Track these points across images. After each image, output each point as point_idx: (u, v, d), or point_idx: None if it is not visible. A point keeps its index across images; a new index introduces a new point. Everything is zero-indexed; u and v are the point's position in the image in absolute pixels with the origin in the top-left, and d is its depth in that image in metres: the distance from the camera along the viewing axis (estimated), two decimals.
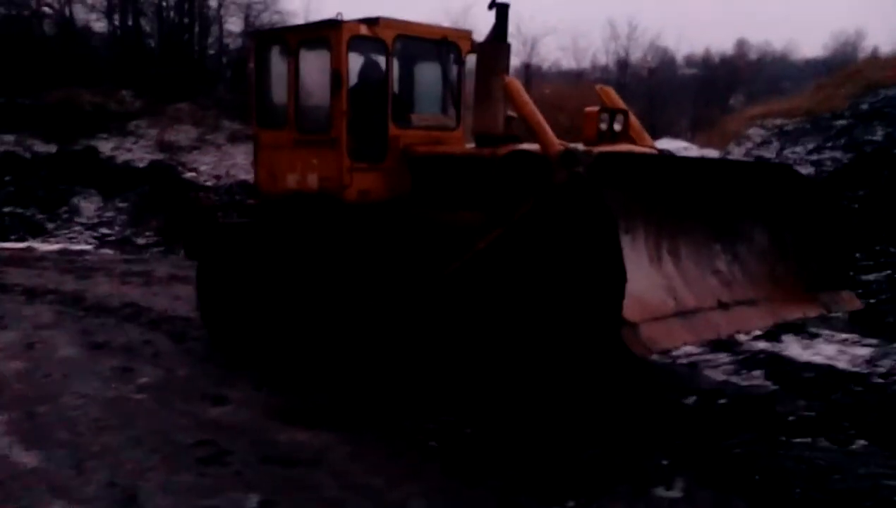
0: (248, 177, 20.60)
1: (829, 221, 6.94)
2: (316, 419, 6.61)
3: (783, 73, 41.04)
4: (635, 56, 41.85)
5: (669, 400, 7.01)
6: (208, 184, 23.55)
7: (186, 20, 36.17)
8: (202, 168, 25.70)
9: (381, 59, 8.40)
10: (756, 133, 26.55)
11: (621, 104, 8.00)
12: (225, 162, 26.38)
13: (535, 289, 6.58)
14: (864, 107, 24.32)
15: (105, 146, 26.24)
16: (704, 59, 40.20)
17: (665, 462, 5.65)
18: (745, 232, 6.72)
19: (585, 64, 38.03)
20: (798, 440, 6.13)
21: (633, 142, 7.66)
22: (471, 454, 5.89)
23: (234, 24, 36.84)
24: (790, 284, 6.77)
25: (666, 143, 23.67)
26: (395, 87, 8.64)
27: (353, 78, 8.31)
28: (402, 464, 5.75)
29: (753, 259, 6.67)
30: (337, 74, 7.96)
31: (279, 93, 8.88)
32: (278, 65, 8.91)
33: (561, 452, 5.85)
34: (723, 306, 6.11)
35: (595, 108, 7.47)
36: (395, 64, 8.59)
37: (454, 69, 9.05)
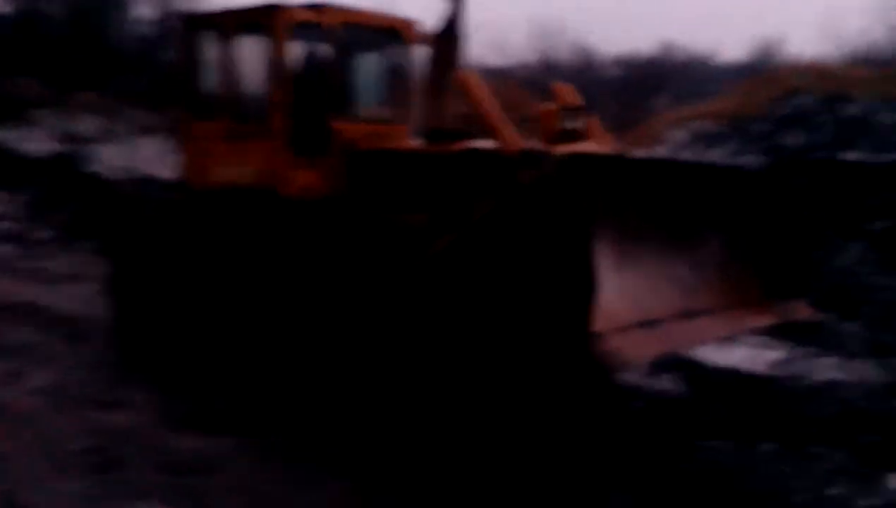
0: (157, 170, 20.04)
1: (787, 229, 6.81)
2: (215, 424, 6.36)
3: (707, 75, 41.71)
4: (560, 55, 42.07)
5: (582, 403, 6.94)
6: (114, 177, 22.76)
7: (94, 4, 34.92)
8: (108, 160, 24.84)
9: (325, 48, 7.99)
10: (679, 135, 26.85)
11: (577, 101, 7.54)
12: (131, 154, 25.55)
13: (494, 297, 6.17)
14: (784, 112, 24.81)
15: (4, 136, 25.22)
16: (629, 60, 40.60)
17: (578, 467, 5.59)
18: (703, 237, 6.44)
19: (511, 61, 37.99)
20: (709, 443, 6.14)
21: (592, 141, 7.30)
22: (377, 460, 5.73)
23: (146, 10, 35.44)
24: (747, 292, 6.56)
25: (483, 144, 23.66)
26: (339, 78, 8.27)
27: (292, 66, 7.88)
28: (304, 474, 5.56)
29: (712, 265, 6.40)
30: (277, 63, 7.55)
31: (211, 81, 8.44)
32: (210, 51, 8.41)
33: (467, 460, 5.73)
34: (685, 315, 5.88)
35: (553, 106, 7.11)
36: (340, 53, 8.21)
37: (400, 61, 8.73)
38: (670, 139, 27.32)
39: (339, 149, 7.77)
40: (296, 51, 7.93)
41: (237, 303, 7.72)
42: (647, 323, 5.50)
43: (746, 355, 8.43)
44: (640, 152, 25.12)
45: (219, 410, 6.62)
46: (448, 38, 7.35)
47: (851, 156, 17.45)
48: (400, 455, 5.77)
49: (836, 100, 24.49)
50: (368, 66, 8.86)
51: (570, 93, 7.67)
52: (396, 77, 8.72)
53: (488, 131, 6.82)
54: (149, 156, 24.41)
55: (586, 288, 5.01)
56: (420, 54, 8.43)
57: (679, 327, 5.74)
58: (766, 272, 6.71)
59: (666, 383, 7.48)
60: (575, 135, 7.02)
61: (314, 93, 7.86)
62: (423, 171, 7.19)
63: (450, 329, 6.40)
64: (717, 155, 23.46)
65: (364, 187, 7.64)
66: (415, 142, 7.97)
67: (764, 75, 33.77)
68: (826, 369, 8.06)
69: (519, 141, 6.59)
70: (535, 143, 6.81)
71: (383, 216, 7.28)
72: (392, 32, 8.42)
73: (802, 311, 7.04)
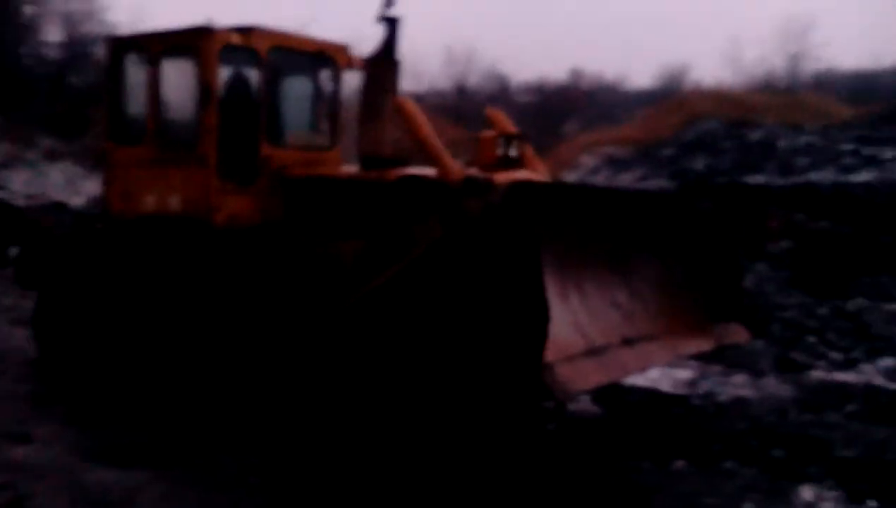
0: (66, 197, 19.48)
1: (720, 252, 6.87)
2: (129, 457, 6.14)
3: (616, 101, 42.70)
4: (472, 81, 42.59)
5: (510, 431, 6.91)
6: (20, 204, 22.00)
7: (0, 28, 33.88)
8: (14, 187, 24.02)
9: (253, 72, 7.74)
10: (588, 160, 27.44)
11: (512, 128, 7.57)
12: (40, 181, 24.76)
13: (440, 328, 5.94)
14: (688, 137, 25.57)
15: None
16: (539, 86, 41.36)
17: (495, 491, 5.58)
18: (640, 263, 6.39)
19: (425, 87, 38.25)
20: (624, 462, 6.21)
21: (527, 168, 7.27)
22: (295, 489, 5.64)
23: (53, 34, 34.43)
24: (685, 317, 6.54)
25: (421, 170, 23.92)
26: (268, 103, 7.88)
27: (221, 90, 7.57)
28: (221, 502, 5.43)
29: (649, 291, 6.36)
30: (206, 87, 7.24)
31: (136, 105, 8.06)
32: (136, 74, 8.05)
33: (390, 486, 5.67)
34: (627, 342, 5.84)
35: (491, 133, 7.08)
36: (269, 77, 7.86)
37: (330, 85, 8.47)
38: (582, 164, 27.93)
39: (270, 175, 7.51)
40: (223, 74, 7.64)
41: (161, 337, 7.42)
42: (593, 352, 5.45)
43: (658, 374, 8.59)
44: (567, 179, 25.59)
45: (133, 443, 6.41)
46: (384, 62, 7.16)
47: (755, 179, 18.12)
48: (317, 483, 5.69)
49: (739, 125, 25.43)
50: (298, 91, 8.58)
51: (504, 120, 7.65)
52: (327, 102, 8.45)
53: (427, 158, 6.70)
54: (58, 183, 23.69)
55: (539, 318, 4.92)
56: (352, 79, 8.30)
57: (623, 354, 5.72)
58: (702, 296, 6.71)
59: (580, 404, 7.56)
60: (513, 162, 6.99)
61: (243, 118, 7.55)
62: (359, 198, 7.03)
63: (388, 361, 6.19)
64: (626, 179, 24.06)
65: (298, 215, 7.41)
66: (349, 169, 7.77)
67: (670, 101, 34.86)
68: (735, 387, 8.27)
69: (459, 168, 6.50)
70: (473, 170, 6.74)
71: (317, 244, 7.07)
72: (323, 56, 8.18)
73: (739, 334, 7.11)
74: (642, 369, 6.32)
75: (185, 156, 7.45)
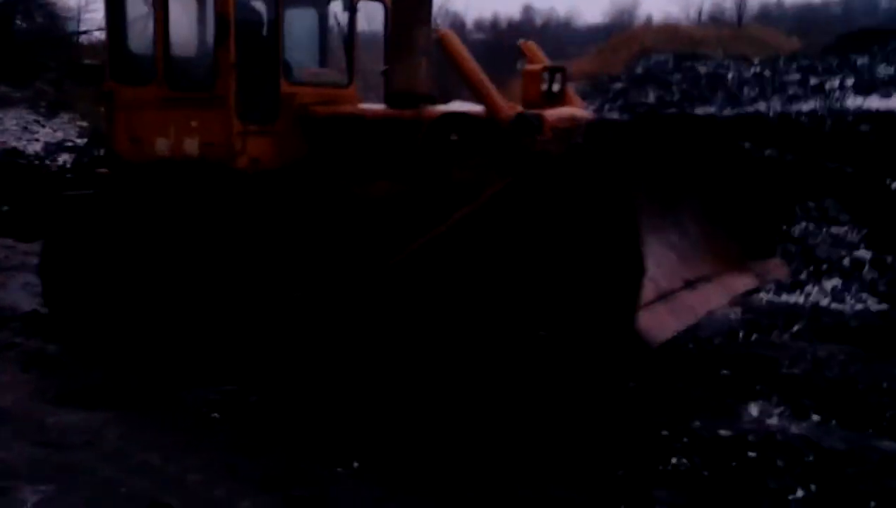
0: (20, 145, 19.01)
1: (756, 190, 6.65)
2: (89, 399, 6.13)
3: (567, 38, 42.60)
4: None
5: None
6: None
7: None
8: None
9: (260, 2, 7.25)
10: None
11: (547, 61, 6.99)
12: None
13: (508, 279, 5.60)
14: (638, 71, 25.68)
15: None
16: (493, 24, 41.08)
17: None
18: (685, 201, 6.11)
19: (376, 27, 37.72)
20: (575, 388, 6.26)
21: (570, 103, 6.75)
22: (256, 423, 5.71)
23: None
24: (727, 255, 6.34)
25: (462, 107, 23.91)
26: (282, 37, 7.21)
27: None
28: (181, 438, 5.47)
29: (695, 230, 6.10)
30: (223, 20, 6.65)
31: (142, 41, 7.47)
32: (140, 7, 7.45)
33: (346, 424, 5.73)
34: (689, 285, 5.63)
35: (537, 67, 6.55)
36: (279, 7, 7.17)
37: (345, 16, 7.83)
38: None
39: (292, 115, 7.02)
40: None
41: (179, 284, 6.95)
42: (663, 297, 5.23)
43: None
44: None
45: (93, 384, 6.37)
46: None
47: (704, 110, 18.29)
48: (273, 416, 5.74)
49: (688, 58, 25.59)
50: (311, 24, 7.97)
51: (539, 53, 7.11)
52: (341, 36, 7.81)
53: (474, 94, 6.21)
54: (12, 130, 22.96)
55: (633, 265, 4.72)
56: (369, 10, 7.74)
57: (688, 298, 5.51)
58: (742, 234, 6.51)
59: None
60: (556, 98, 6.47)
61: (258, 53, 7.02)
62: (393, 138, 6.59)
63: (448, 314, 5.89)
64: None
65: (323, 156, 6.99)
66: (380, 107, 7.13)
67: (621, 37, 34.92)
68: None
69: (508, 106, 6.03)
70: (519, 108, 6.21)
71: (348, 186, 6.70)
72: None
73: (780, 270, 7.06)
74: (706, 312, 5.95)
75: (202, 96, 6.97)
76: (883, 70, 20.42)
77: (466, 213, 5.77)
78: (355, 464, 5.03)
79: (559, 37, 41.89)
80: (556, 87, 6.47)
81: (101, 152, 8.25)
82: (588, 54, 32.35)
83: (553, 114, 6.15)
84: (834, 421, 5.73)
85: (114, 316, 7.37)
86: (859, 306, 8.73)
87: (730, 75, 21.85)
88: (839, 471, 4.95)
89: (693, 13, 40.69)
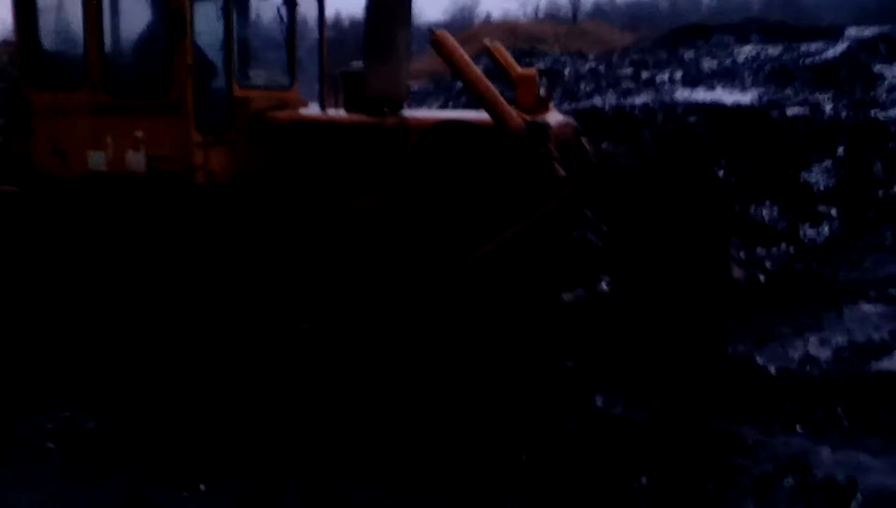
0: None
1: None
2: None
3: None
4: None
5: None
6: None
7: None
8: None
9: None
10: None
11: (515, 65, 6.66)
12: None
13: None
14: (480, 68, 26.07)
15: None
16: (335, 22, 40.89)
17: None
18: None
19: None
20: None
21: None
22: (94, 450, 5.43)
23: None
24: None
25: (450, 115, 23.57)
26: (233, 36, 6.39)
27: None
28: (12, 471, 5.17)
29: None
30: (179, 16, 5.89)
31: (64, 39, 6.67)
32: (65, 1, 6.57)
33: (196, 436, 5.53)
34: None
35: (533, 71, 6.29)
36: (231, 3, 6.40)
37: (285, 13, 7.04)
38: None
39: (248, 121, 6.28)
40: None
41: (121, 318, 6.09)
42: None
43: None
44: None
45: None
46: None
47: None
48: (112, 440, 5.49)
49: (527, 55, 26.13)
50: (252, 21, 7.18)
51: (508, 56, 6.76)
52: (283, 33, 7.01)
53: (478, 100, 5.69)
54: None
55: (723, 277, 5.00)
56: (309, 7, 7.04)
57: None
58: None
59: None
60: (544, 103, 6.19)
61: (207, 53, 6.32)
62: (378, 148, 6.00)
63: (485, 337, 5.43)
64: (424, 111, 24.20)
65: (285, 167, 6.28)
66: (349, 114, 6.43)
67: (461, 35, 35.43)
68: None
69: (517, 114, 5.61)
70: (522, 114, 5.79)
71: (327, 202, 6.06)
72: None
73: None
74: None
75: (151, 103, 6.16)
76: (707, 63, 21.51)
77: (519, 229, 5.27)
78: (202, 487, 4.87)
79: None
80: (542, 92, 6.21)
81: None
82: (429, 52, 32.58)
83: (554, 121, 5.87)
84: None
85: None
86: None
87: (566, 71, 22.48)
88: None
89: (530, 10, 41.70)
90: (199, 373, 5.85)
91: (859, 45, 20.43)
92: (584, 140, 6.61)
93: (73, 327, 6.19)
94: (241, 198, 6.18)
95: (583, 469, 4.93)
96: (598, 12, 44.49)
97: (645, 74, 21.01)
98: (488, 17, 40.38)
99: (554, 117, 6.07)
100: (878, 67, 18.24)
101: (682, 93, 18.18)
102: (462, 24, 38.47)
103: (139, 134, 6.19)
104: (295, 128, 6.36)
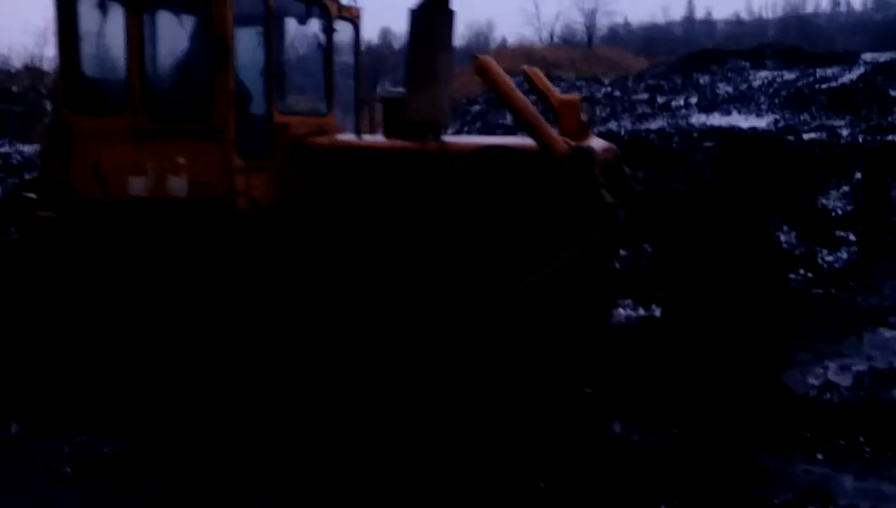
0: None
1: None
2: None
3: None
4: None
5: None
6: None
7: None
8: None
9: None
10: None
11: (553, 88, 6.69)
12: None
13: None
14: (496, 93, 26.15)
15: None
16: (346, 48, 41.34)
17: None
18: None
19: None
20: None
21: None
22: (112, 474, 5.44)
23: None
24: None
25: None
26: (275, 60, 6.40)
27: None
28: (31, 495, 5.18)
29: None
30: (222, 43, 5.87)
31: (108, 65, 6.58)
32: (100, 23, 6.53)
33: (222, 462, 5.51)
34: None
35: (576, 97, 6.32)
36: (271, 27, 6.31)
37: (324, 38, 6.98)
38: None
39: (288, 148, 6.27)
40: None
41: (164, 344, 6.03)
42: None
43: None
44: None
45: None
46: (435, 13, 5.89)
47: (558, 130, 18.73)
48: (130, 465, 5.50)
49: None
50: (291, 45, 7.10)
51: (544, 79, 6.73)
52: (321, 57, 6.97)
53: (524, 127, 5.71)
54: None
55: (782, 298, 5.10)
56: (344, 32, 7.00)
57: None
58: None
59: None
60: (586, 128, 6.21)
61: (248, 80, 6.31)
62: (419, 173, 5.98)
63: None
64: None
65: (328, 193, 6.24)
66: (390, 140, 6.39)
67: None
68: None
69: (562, 139, 5.63)
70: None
71: (370, 227, 6.03)
72: (317, 3, 6.81)
73: None
74: None
75: (193, 128, 6.13)
76: (723, 88, 21.54)
77: (572, 254, 5.26)
78: None
79: None
80: (584, 117, 6.20)
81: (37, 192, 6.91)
82: None
83: (597, 146, 5.88)
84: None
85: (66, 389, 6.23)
86: None
87: (583, 95, 22.52)
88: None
89: (545, 35, 41.89)
90: (233, 397, 5.81)
91: (875, 69, 20.45)
92: (623, 166, 6.59)
93: (107, 350, 6.14)
94: (283, 224, 6.15)
95: (600, 496, 4.88)
96: (613, 37, 44.68)
97: (660, 99, 21.07)
98: (504, 41, 40.65)
99: (596, 143, 6.06)
100: (894, 92, 18.25)
101: (698, 118, 18.22)
102: (478, 49, 38.68)
103: (181, 159, 6.15)
104: (336, 154, 6.33)
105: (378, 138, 6.60)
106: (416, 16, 5.84)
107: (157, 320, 6.05)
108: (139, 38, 6.16)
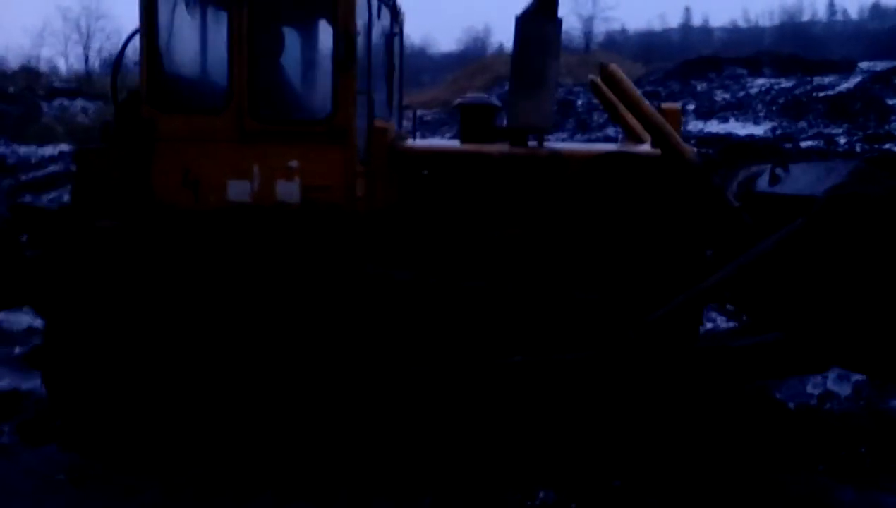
0: None
1: None
2: None
3: (422, 66, 43.05)
4: None
5: None
6: None
7: None
8: None
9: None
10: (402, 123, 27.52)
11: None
12: None
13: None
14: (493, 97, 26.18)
15: None
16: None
17: None
18: None
19: None
20: None
21: None
22: (105, 482, 5.38)
23: None
24: None
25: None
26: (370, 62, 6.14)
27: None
28: (23, 503, 5.12)
29: None
30: (349, 38, 5.64)
31: (204, 60, 6.29)
32: (194, 17, 6.23)
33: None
34: None
35: (677, 106, 6.24)
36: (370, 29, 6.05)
37: (395, 40, 6.80)
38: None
39: (385, 153, 6.04)
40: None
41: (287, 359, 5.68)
42: None
43: None
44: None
45: None
46: (543, 19, 5.80)
47: (556, 136, 18.75)
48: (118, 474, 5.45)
49: None
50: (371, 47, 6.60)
51: (626, 79, 6.62)
52: (392, 59, 6.78)
53: (653, 135, 5.71)
54: None
55: None
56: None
57: None
58: None
59: None
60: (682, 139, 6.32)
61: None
62: (529, 179, 5.90)
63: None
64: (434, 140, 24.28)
65: (426, 199, 6.06)
66: (489, 146, 6.17)
67: (475, 64, 35.58)
68: None
69: (689, 147, 5.68)
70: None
71: (474, 231, 5.92)
72: (390, 5, 6.60)
73: None
74: None
75: (311, 130, 5.83)
76: (720, 95, 21.55)
77: (764, 252, 5.13)
78: None
79: (414, 65, 42.31)
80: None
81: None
82: (443, 82, 32.81)
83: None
84: None
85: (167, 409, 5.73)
86: None
87: (579, 102, 22.54)
88: None
89: None
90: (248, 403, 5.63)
91: (872, 78, 20.47)
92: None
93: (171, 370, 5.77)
94: (396, 229, 6.00)
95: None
96: (610, 43, 44.71)
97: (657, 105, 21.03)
98: (500, 47, 40.60)
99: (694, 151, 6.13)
100: (891, 101, 18.26)
101: (696, 125, 18.22)
102: (475, 54, 38.67)
103: (293, 162, 5.86)
104: (432, 159, 6.16)
105: (456, 143, 6.52)
106: (524, 22, 5.78)
107: (256, 328, 5.75)
108: (246, 34, 5.79)
